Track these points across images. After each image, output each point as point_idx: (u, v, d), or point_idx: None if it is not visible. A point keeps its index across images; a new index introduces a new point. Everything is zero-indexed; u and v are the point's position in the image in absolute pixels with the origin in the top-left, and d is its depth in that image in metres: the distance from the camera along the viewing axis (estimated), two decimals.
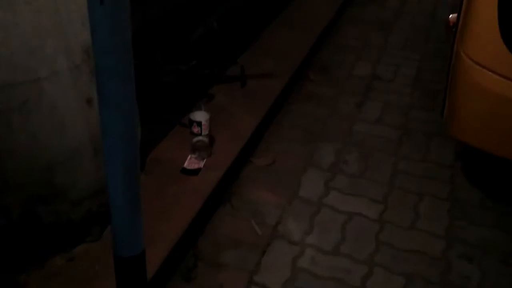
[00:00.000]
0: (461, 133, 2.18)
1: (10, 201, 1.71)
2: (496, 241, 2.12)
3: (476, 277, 1.96)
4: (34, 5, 1.56)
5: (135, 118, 1.18)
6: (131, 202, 1.15)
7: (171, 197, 2.09)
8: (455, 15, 2.25)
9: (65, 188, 1.77)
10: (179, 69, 2.60)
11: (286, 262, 2.00)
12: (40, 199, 1.75)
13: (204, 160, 2.30)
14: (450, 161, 2.59)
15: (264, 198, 2.31)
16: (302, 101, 3.07)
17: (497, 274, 1.98)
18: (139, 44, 1.60)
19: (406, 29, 4.07)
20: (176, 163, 2.27)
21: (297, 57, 3.29)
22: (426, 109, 3.02)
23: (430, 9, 4.44)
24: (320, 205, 2.29)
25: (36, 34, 1.58)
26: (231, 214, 2.22)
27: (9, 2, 1.52)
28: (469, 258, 2.03)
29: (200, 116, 2.29)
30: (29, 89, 1.61)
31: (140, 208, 1.18)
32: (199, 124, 2.28)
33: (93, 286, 1.71)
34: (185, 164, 2.27)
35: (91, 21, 0.95)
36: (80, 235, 1.86)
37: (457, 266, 2.00)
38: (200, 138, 2.31)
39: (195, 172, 2.25)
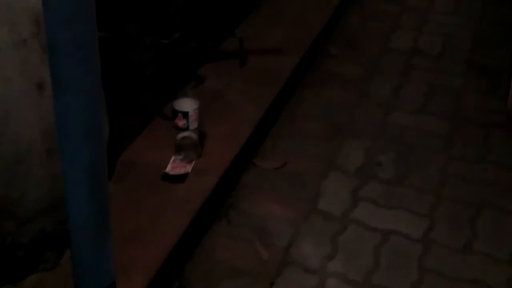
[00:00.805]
0: None
1: None
2: None
3: None
4: None
5: (101, 108, 1.19)
6: (96, 219, 1.16)
7: (150, 212, 2.11)
8: None
9: (9, 202, 1.79)
10: (159, 43, 2.62)
11: None
12: None
13: (193, 163, 2.33)
14: None
15: (271, 212, 2.33)
16: (321, 85, 3.11)
17: None
18: (105, 11, 1.61)
19: None
20: (156, 167, 2.29)
21: (314, 26, 3.35)
22: (485, 94, 3.05)
23: None
24: (346, 221, 2.31)
25: None
26: (229, 234, 2.24)
27: None
28: None
29: (187, 104, 2.31)
30: None
31: (109, 228, 1.19)
32: (185, 115, 2.30)
33: None
34: (168, 169, 2.30)
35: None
36: (31, 263, 1.88)
37: None
38: (186, 134, 2.33)
39: (180, 178, 2.27)
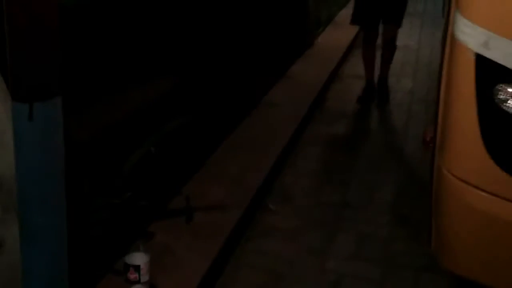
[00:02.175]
0: (454, 265, 2.27)
1: None
2: None
3: None
4: None
5: (66, 262, 1.18)
6: None
7: None
8: (431, 128, 2.44)
9: None
10: (111, 202, 2.64)
11: None
12: None
13: None
14: None
15: None
16: (262, 237, 3.14)
17: None
18: None
19: (377, 148, 4.33)
20: None
21: (253, 184, 3.44)
22: (410, 240, 3.13)
23: (401, 124, 4.77)
24: None
25: None
26: None
27: None
28: None
29: (138, 258, 2.34)
30: None
31: None
32: (136, 268, 2.32)
33: None
34: None
35: (16, 142, 0.99)
36: None
37: None
38: (138, 286, 2.33)
39: None
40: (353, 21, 5.09)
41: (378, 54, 5.13)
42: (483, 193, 2.08)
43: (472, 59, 2.06)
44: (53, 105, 1.11)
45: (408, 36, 6.96)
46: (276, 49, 5.60)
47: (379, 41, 5.08)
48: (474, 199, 2.11)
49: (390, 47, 5.07)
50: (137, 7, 3.39)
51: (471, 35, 2.08)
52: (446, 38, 2.30)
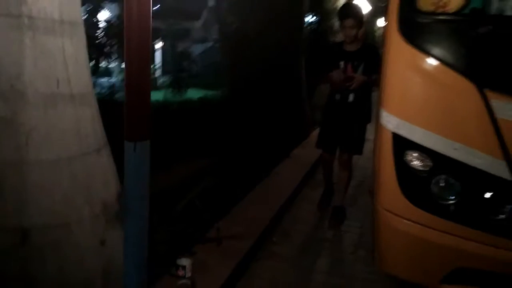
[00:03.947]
0: (388, 268, 2.41)
1: None
2: None
3: None
4: (73, 172, 2.03)
5: (146, 254, 1.46)
6: None
7: None
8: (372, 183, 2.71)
9: None
10: (170, 230, 2.94)
11: None
12: None
13: None
14: None
15: None
16: (267, 259, 3.30)
17: None
18: None
19: (348, 198, 4.40)
20: None
21: (262, 224, 3.63)
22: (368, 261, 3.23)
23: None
24: None
25: (72, 192, 2.01)
26: None
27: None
28: None
29: (184, 261, 2.60)
30: (62, 230, 1.99)
31: None
32: (183, 268, 2.56)
33: None
34: None
35: (126, 167, 1.38)
36: None
37: None
38: (184, 281, 2.55)
39: None
40: (317, 145, 4.09)
41: None
42: (401, 219, 2.25)
43: (390, 136, 2.28)
44: (145, 145, 1.50)
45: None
46: (283, 139, 5.85)
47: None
48: (396, 223, 2.27)
49: (345, 168, 3.98)
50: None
51: (389, 122, 2.29)
52: (376, 127, 2.51)
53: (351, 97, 3.72)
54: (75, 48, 2.04)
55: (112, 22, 9.87)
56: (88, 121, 2.10)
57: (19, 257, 1.91)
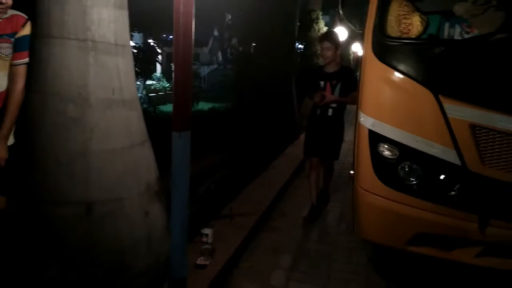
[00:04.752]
0: (365, 234, 2.46)
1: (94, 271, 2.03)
2: None
3: None
4: (124, 159, 2.14)
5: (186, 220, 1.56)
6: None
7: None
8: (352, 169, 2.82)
9: (130, 266, 2.08)
10: (194, 208, 2.99)
11: None
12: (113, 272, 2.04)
13: (208, 261, 2.60)
14: None
15: None
16: (269, 231, 3.40)
17: None
18: None
19: (334, 183, 4.36)
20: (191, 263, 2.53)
21: (265, 204, 3.73)
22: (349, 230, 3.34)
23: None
24: None
25: (124, 175, 2.11)
26: None
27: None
28: None
29: (207, 230, 2.70)
30: (116, 204, 2.09)
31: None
32: (206, 235, 2.66)
33: None
34: (197, 261, 2.59)
35: (173, 152, 1.49)
36: None
37: None
38: (207, 246, 2.65)
39: (203, 267, 2.56)
40: (304, 155, 3.84)
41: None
42: (375, 196, 2.30)
43: (367, 132, 2.33)
44: (187, 134, 1.60)
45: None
46: (278, 140, 5.96)
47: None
48: (371, 199, 2.32)
49: (328, 171, 3.92)
50: None
51: (365, 121, 2.34)
52: (356, 125, 2.52)
53: (330, 112, 3.60)
54: (125, 65, 2.15)
55: (138, 47, 9.91)
56: (135, 120, 2.19)
57: (85, 225, 1.99)
